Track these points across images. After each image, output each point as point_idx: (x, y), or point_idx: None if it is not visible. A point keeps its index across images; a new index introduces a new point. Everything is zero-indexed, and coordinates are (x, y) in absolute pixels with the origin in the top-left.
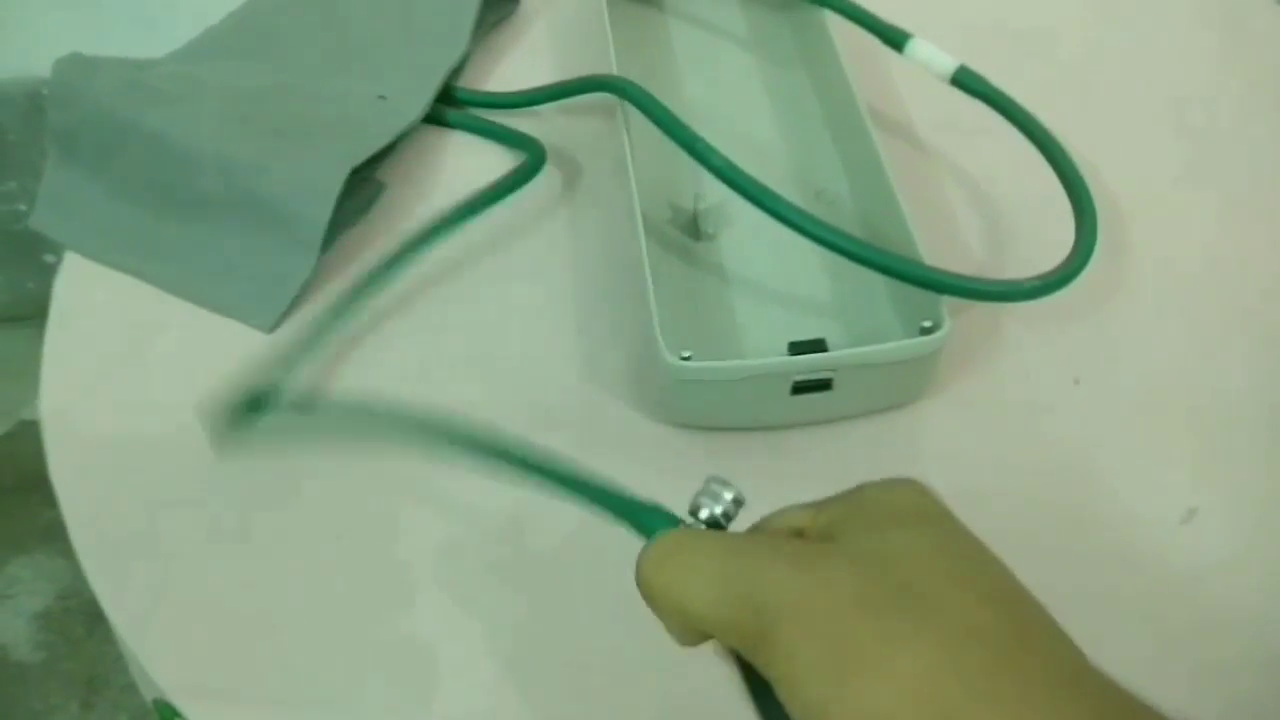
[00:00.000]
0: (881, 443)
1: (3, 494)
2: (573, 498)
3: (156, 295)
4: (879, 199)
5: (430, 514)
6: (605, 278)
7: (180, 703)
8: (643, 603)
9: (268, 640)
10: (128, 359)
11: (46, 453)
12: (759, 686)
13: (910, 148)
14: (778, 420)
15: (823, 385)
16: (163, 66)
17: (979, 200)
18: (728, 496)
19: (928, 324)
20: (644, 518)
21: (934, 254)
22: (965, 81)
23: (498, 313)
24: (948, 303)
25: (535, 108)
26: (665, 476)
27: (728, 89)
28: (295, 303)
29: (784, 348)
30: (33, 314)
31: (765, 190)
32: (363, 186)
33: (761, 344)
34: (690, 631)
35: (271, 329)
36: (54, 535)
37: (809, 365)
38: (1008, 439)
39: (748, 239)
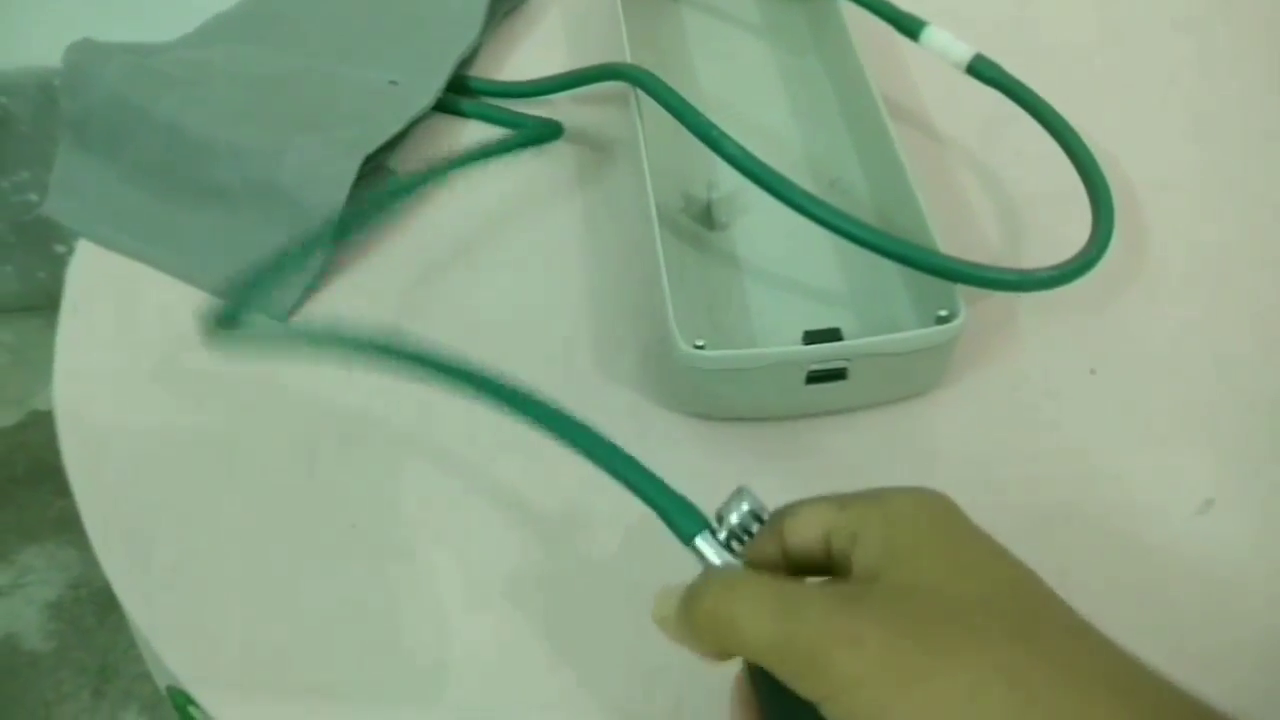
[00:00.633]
0: (896, 433)
1: (14, 484)
2: (604, 467)
3: (169, 283)
4: (894, 188)
5: (450, 502)
6: (619, 267)
7: (194, 690)
8: None
9: (282, 627)
10: (141, 346)
11: (60, 441)
12: (772, 687)
13: (925, 137)
14: (791, 410)
15: (837, 375)
16: (174, 52)
17: (994, 190)
18: (745, 508)
19: (943, 313)
20: (678, 515)
21: (949, 243)
22: (981, 70)
23: (511, 301)
24: (963, 292)
25: (549, 97)
26: (678, 465)
27: (741, 78)
28: (308, 292)
29: (798, 337)
30: (43, 304)
31: (780, 178)
32: (376, 175)
33: (775, 333)
34: (724, 658)
35: (284, 318)
36: (66, 525)
37: (824, 354)
38: (1023, 429)
39: (761, 228)
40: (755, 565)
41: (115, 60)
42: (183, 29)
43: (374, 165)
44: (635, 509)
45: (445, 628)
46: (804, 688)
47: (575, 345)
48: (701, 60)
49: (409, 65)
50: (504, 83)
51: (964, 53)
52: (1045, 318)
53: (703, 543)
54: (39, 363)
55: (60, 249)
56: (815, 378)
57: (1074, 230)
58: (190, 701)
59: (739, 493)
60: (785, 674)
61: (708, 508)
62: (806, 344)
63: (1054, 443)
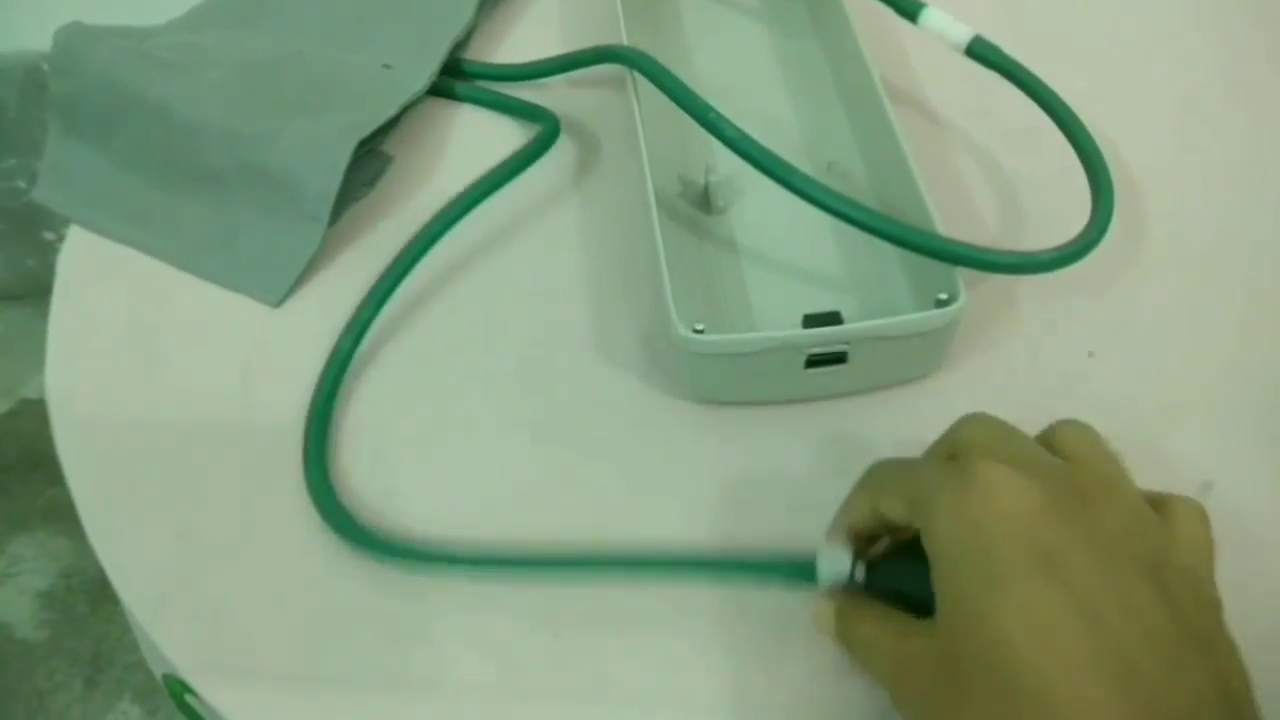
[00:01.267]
0: (896, 417)
1: (4, 472)
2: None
3: (162, 268)
4: (893, 172)
5: (447, 497)
6: (616, 252)
7: (191, 679)
8: None
9: (280, 615)
10: (134, 333)
11: (53, 429)
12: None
13: (923, 119)
14: (791, 394)
15: (837, 358)
16: (165, 35)
17: (992, 173)
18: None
19: (943, 297)
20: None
21: (948, 226)
22: (980, 52)
23: (508, 286)
24: (963, 275)
25: (543, 80)
26: (678, 450)
27: (738, 61)
28: (302, 276)
29: (797, 321)
30: (32, 292)
31: (779, 161)
32: (370, 159)
33: (774, 317)
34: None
35: (279, 303)
36: (56, 514)
37: (823, 338)
38: (1023, 412)
39: (759, 212)
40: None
41: (105, 43)
42: (172, 13)
43: (368, 149)
44: None
45: (446, 613)
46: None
47: (574, 330)
48: (698, 43)
49: (402, 49)
50: (498, 65)
51: (963, 34)
52: (1044, 300)
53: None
54: (28, 351)
55: (49, 236)
56: (815, 361)
57: (1072, 213)
58: (187, 690)
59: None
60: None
61: (707, 492)
62: (806, 327)
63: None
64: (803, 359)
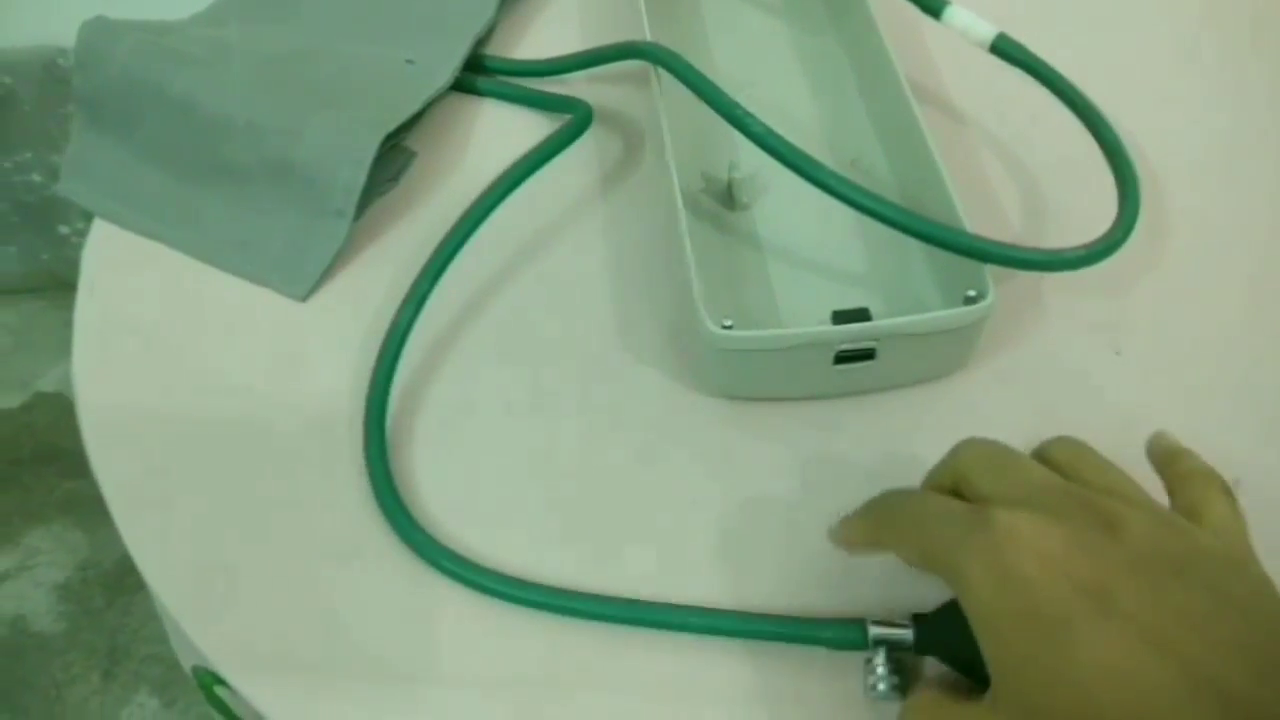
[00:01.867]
0: (923, 413)
1: (19, 465)
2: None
3: (187, 263)
4: (918, 168)
5: (469, 489)
6: (638, 247)
7: (225, 671)
8: None
9: (315, 606)
10: (160, 328)
11: (80, 424)
12: None
13: (943, 116)
14: (818, 390)
15: (865, 355)
16: (187, 30)
17: (1014, 169)
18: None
19: (971, 294)
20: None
21: (972, 224)
22: (1004, 49)
23: (531, 280)
24: (990, 272)
25: (565, 75)
26: (705, 446)
27: (758, 56)
28: (327, 271)
29: (822, 317)
30: (46, 285)
31: (807, 158)
32: (393, 154)
33: (798, 313)
34: None
35: (305, 297)
36: (72, 506)
37: (852, 334)
38: (1049, 410)
39: (782, 208)
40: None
41: (129, 38)
42: (194, 8)
43: (391, 144)
44: None
45: (486, 612)
46: None
47: (599, 325)
48: (717, 38)
49: (425, 44)
50: (521, 61)
51: (987, 31)
52: (1069, 298)
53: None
54: (42, 344)
55: (64, 230)
56: (843, 358)
57: (1096, 210)
58: (218, 681)
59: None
60: None
61: (734, 486)
62: (835, 324)
63: (1079, 423)
64: (831, 355)
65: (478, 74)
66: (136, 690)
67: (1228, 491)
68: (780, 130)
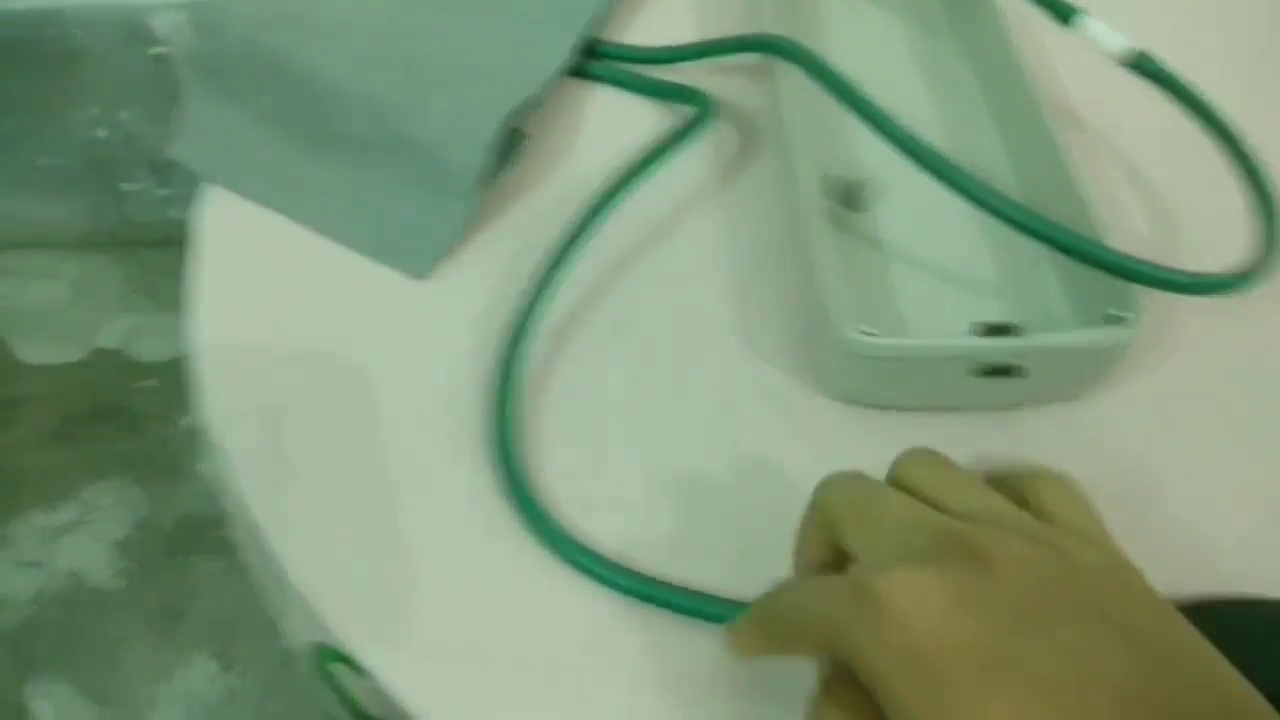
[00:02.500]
0: (1055, 432)
1: (78, 421)
2: None
3: (302, 234)
4: (1051, 181)
5: (588, 483)
6: (757, 243)
7: (354, 647)
8: None
9: (447, 589)
10: (280, 301)
11: (203, 400)
12: None
13: (1068, 125)
14: (949, 403)
15: (1005, 370)
16: None
17: (1143, 187)
18: None
19: (1114, 312)
20: None
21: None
22: (1140, 65)
23: (647, 273)
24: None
25: (681, 64)
26: (826, 451)
27: (874, 53)
28: (449, 249)
29: (947, 325)
30: (107, 241)
31: (950, 165)
32: (508, 137)
33: (922, 320)
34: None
35: (425, 275)
36: (132, 463)
37: (1001, 350)
38: (1183, 434)
39: (905, 211)
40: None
41: (255, 9)
42: None
43: (507, 127)
44: None
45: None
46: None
47: (716, 320)
48: (831, 33)
49: (540, 25)
50: (636, 47)
51: (1121, 44)
52: (1207, 320)
53: None
54: (101, 299)
55: (127, 186)
56: (984, 372)
57: (1229, 233)
58: (340, 659)
59: None
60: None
61: None
62: (981, 336)
63: (1217, 446)
64: (970, 369)
65: (591, 58)
66: (194, 652)
67: (1066, 483)
68: None
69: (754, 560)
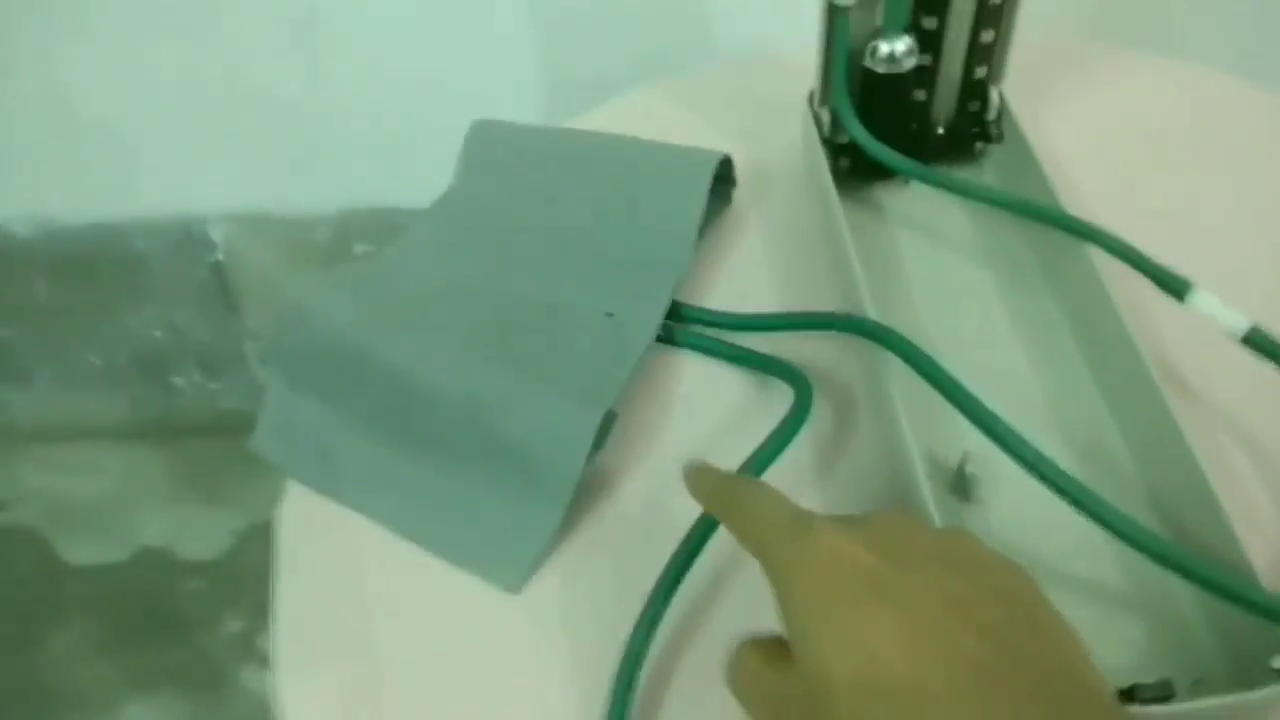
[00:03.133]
0: None
1: (124, 627)
2: None
3: (385, 536)
4: (1171, 465)
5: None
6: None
7: None
8: None
9: None
10: (360, 604)
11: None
12: None
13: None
14: None
15: None
16: (386, 274)
17: (1266, 469)
18: None
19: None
20: None
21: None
22: (1259, 343)
23: (751, 582)
24: None
25: (765, 333)
26: None
27: (963, 311)
28: (541, 556)
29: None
30: (152, 432)
31: (1089, 493)
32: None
33: None
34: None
35: (518, 588)
36: (176, 674)
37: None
38: None
39: (1020, 504)
40: None
41: (338, 300)
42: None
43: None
44: None
45: None
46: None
47: None
48: (920, 292)
49: (623, 292)
50: (721, 313)
51: (1238, 321)
52: None
53: None
54: (147, 494)
55: (178, 381)
56: None
57: None
58: None
59: None
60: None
61: None
62: (1137, 701)
63: None
64: None
65: (673, 321)
66: None
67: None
68: (1002, 406)
69: None
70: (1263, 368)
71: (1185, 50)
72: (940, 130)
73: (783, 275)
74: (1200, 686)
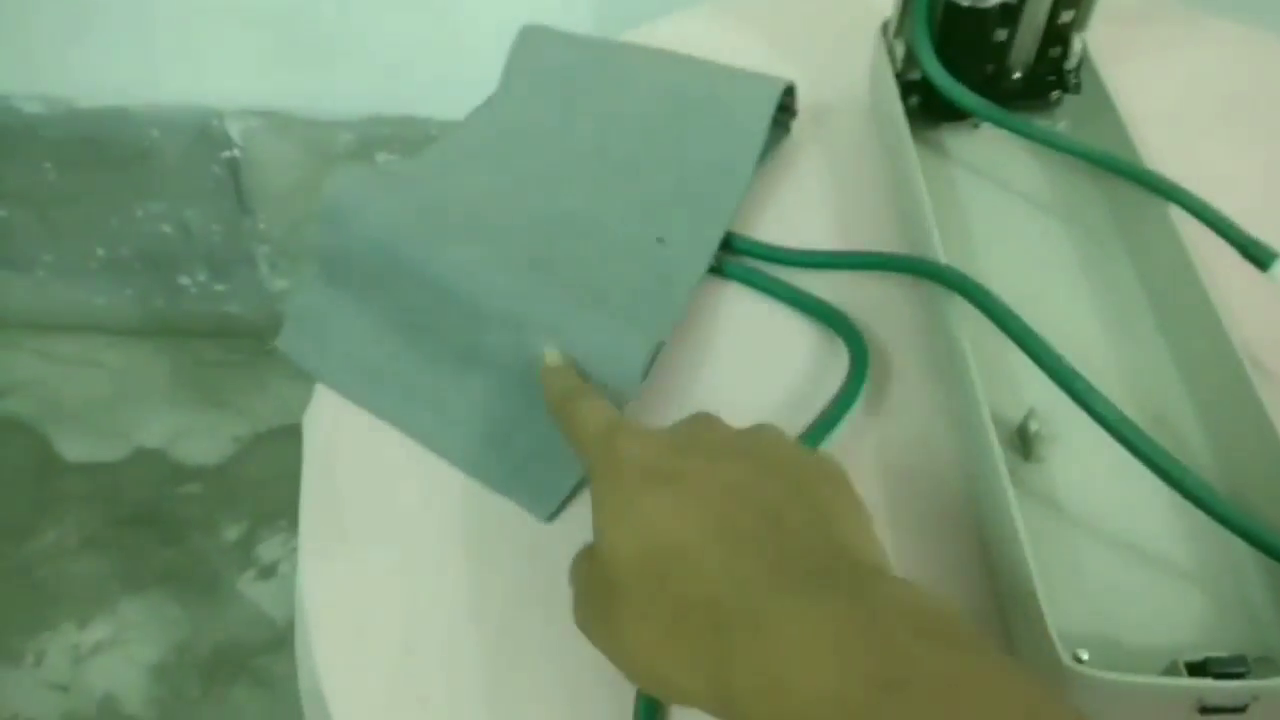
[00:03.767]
0: None
1: (118, 526)
2: None
3: (414, 447)
4: (1247, 444)
5: None
6: (921, 495)
7: None
8: None
9: None
10: (395, 521)
11: (312, 652)
12: None
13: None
14: None
15: (1230, 709)
16: (436, 182)
17: None
18: None
19: None
20: None
21: None
22: None
23: None
24: None
25: (821, 270)
26: None
27: (1031, 266)
28: (578, 488)
29: (1135, 613)
30: (156, 330)
31: (1174, 461)
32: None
33: (1114, 609)
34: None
35: (550, 518)
36: (171, 577)
37: (1228, 693)
38: None
39: (1084, 464)
40: None
41: (384, 198)
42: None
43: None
44: None
45: None
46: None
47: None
48: (985, 242)
49: (676, 220)
50: (775, 247)
51: None
52: None
53: None
54: (145, 394)
55: (185, 280)
56: (1204, 709)
57: None
58: None
59: None
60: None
61: None
62: (1210, 676)
63: None
64: (1192, 705)
65: (722, 250)
66: None
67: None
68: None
69: None
70: None
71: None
72: (1016, 75)
73: (840, 213)
74: (1264, 664)
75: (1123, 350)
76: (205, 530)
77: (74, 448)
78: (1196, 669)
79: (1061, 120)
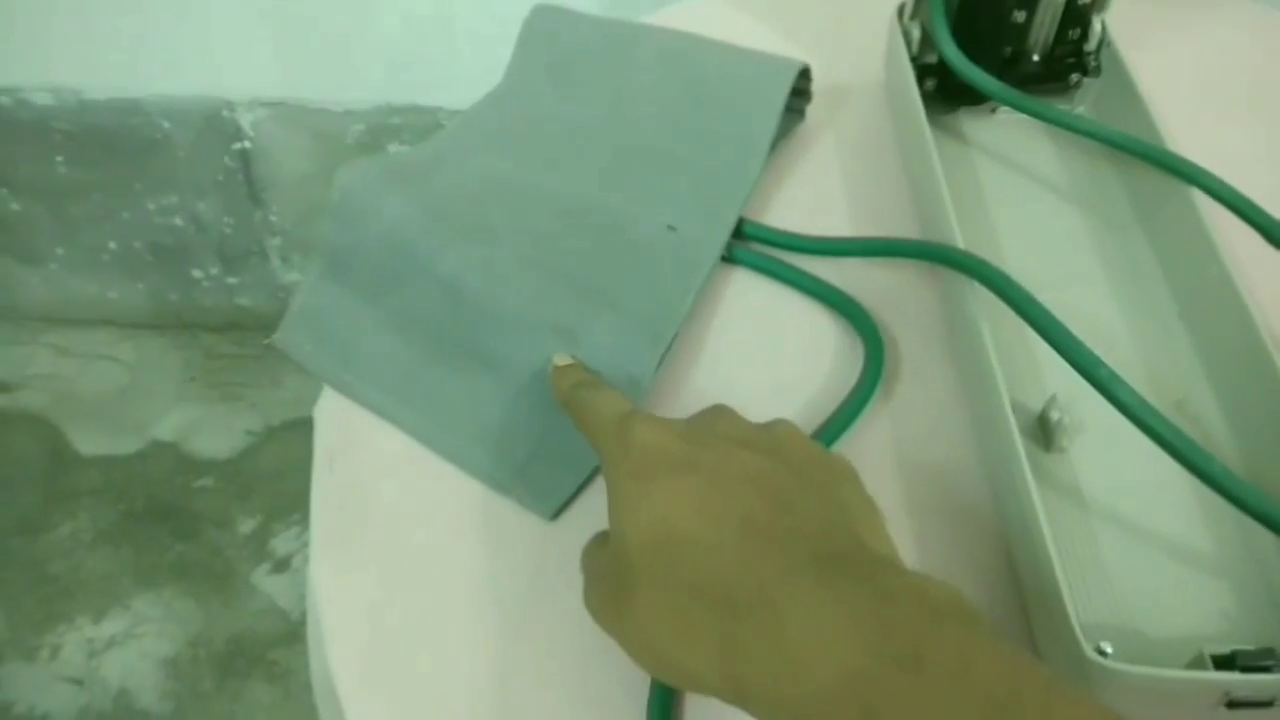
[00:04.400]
0: None
1: (132, 520)
2: None
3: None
4: (1271, 432)
5: None
6: (938, 483)
7: None
8: None
9: None
10: (406, 521)
11: (326, 649)
12: None
13: None
14: None
15: (1257, 703)
16: (442, 174)
17: None
18: None
19: None
20: None
21: None
22: None
23: None
24: None
25: (835, 258)
26: None
27: (1049, 251)
28: (581, 489)
29: (1159, 606)
30: (170, 324)
31: (1201, 452)
32: None
33: (1138, 601)
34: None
35: (552, 516)
36: (185, 572)
37: (1256, 687)
38: None
39: (1106, 453)
40: None
41: (394, 194)
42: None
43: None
44: None
45: None
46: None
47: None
48: (1003, 228)
49: (687, 206)
50: (787, 233)
51: None
52: None
53: None
54: (160, 386)
55: (197, 274)
56: (1232, 704)
57: None
58: None
59: None
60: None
61: None
62: (1231, 669)
63: None
64: (1219, 698)
65: (736, 238)
66: None
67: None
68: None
69: None
70: None
71: None
72: (1035, 58)
73: (854, 199)
74: None
75: (1144, 337)
76: (219, 524)
77: (87, 441)
78: (1223, 662)
79: (1081, 104)
